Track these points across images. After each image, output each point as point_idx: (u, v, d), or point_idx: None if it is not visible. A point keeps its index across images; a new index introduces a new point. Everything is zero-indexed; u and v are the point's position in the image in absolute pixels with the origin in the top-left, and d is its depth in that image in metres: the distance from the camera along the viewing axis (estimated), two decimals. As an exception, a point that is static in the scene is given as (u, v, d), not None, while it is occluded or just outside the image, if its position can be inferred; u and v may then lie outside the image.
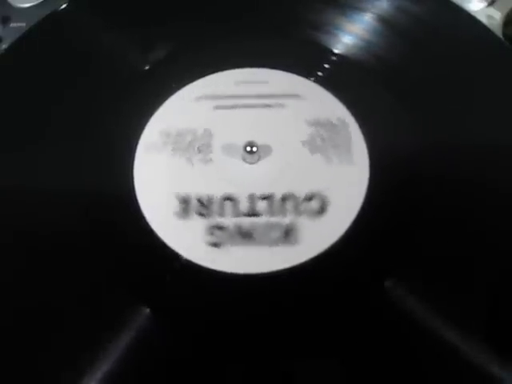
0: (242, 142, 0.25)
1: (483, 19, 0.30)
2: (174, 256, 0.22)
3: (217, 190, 0.24)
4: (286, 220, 0.23)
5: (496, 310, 0.21)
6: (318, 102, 0.26)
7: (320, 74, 0.27)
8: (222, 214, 0.23)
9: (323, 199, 0.24)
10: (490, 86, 0.26)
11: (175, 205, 0.24)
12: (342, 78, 0.27)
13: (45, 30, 0.30)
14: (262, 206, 0.24)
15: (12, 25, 0.32)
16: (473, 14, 0.29)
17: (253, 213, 0.23)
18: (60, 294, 0.22)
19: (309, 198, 0.24)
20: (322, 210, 0.23)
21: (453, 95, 0.26)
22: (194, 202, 0.24)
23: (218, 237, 0.23)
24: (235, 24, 0.30)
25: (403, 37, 0.28)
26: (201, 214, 0.23)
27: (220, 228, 0.23)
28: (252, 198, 0.24)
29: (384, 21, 0.29)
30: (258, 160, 0.25)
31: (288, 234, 0.23)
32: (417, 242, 0.22)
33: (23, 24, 0.32)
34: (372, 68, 0.27)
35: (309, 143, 0.25)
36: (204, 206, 0.24)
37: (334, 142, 0.25)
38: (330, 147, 0.25)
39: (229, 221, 0.23)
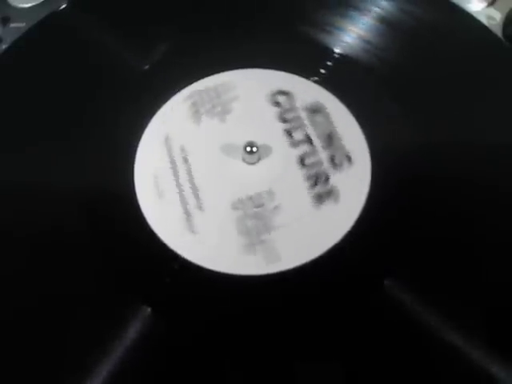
0: (241, 142, 0.25)
1: (483, 19, 0.30)
2: (174, 255, 0.22)
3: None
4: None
5: (496, 310, 0.21)
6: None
7: (320, 74, 0.27)
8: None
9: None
10: (490, 86, 0.26)
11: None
12: (342, 77, 0.27)
13: (45, 30, 0.30)
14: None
15: (12, 25, 0.32)
16: (473, 14, 0.29)
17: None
18: (60, 294, 0.22)
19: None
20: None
21: (453, 95, 0.26)
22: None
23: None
24: (235, 24, 0.30)
25: (403, 37, 0.28)
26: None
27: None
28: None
29: (384, 21, 0.29)
30: (258, 160, 0.25)
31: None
32: (417, 242, 0.22)
33: (23, 24, 0.32)
34: (372, 68, 0.27)
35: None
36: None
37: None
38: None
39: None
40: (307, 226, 0.23)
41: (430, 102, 0.26)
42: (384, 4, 0.29)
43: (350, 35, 0.28)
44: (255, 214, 0.23)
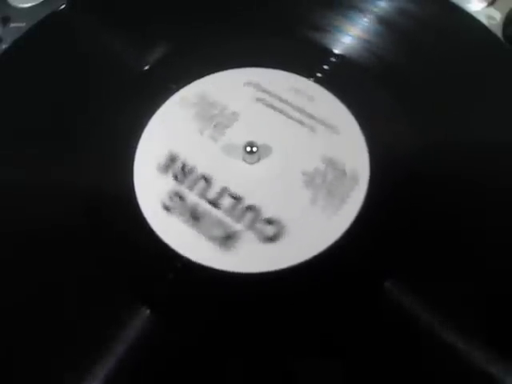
0: (242, 142, 0.25)
1: (483, 19, 0.30)
2: (174, 255, 0.22)
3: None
4: (236, 226, 0.23)
5: (496, 310, 0.21)
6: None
7: (320, 73, 0.27)
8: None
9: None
10: (490, 86, 0.26)
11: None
12: (342, 77, 0.27)
13: (45, 30, 0.30)
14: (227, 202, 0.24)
15: (12, 25, 0.32)
16: (473, 14, 0.29)
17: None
18: (60, 294, 0.22)
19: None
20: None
21: (453, 95, 0.26)
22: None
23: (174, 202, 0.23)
24: (235, 24, 0.30)
25: (403, 37, 0.28)
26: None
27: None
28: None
29: (384, 21, 0.29)
30: (258, 160, 0.25)
31: (227, 240, 0.23)
32: (417, 243, 0.22)
33: (23, 24, 0.32)
34: (372, 68, 0.27)
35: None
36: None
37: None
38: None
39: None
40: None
41: (429, 102, 0.26)
42: (383, 4, 0.29)
43: (350, 35, 0.28)
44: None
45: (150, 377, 0.20)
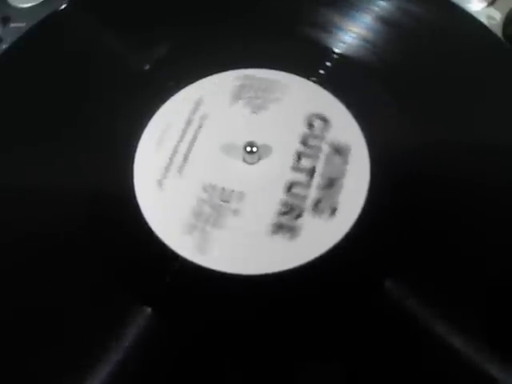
0: (242, 142, 0.25)
1: (483, 19, 0.30)
2: (174, 255, 0.22)
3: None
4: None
5: (496, 311, 0.21)
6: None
7: (320, 73, 0.27)
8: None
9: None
10: (490, 85, 0.26)
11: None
12: (342, 77, 0.27)
13: (45, 30, 0.30)
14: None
15: (12, 25, 0.32)
16: (473, 13, 0.29)
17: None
18: (60, 295, 0.22)
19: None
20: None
21: (453, 95, 0.26)
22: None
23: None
24: (235, 24, 0.30)
25: (403, 36, 0.28)
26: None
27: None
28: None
29: (384, 20, 0.29)
30: (258, 160, 0.25)
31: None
32: (417, 243, 0.22)
33: (23, 24, 0.32)
34: (372, 68, 0.27)
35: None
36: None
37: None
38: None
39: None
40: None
41: (429, 102, 0.26)
42: (384, 4, 0.29)
43: (350, 35, 0.28)
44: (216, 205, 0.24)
45: (150, 377, 0.20)
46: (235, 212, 0.23)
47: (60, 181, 0.25)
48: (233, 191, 0.24)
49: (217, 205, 0.24)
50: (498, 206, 0.23)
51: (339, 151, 0.25)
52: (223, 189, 0.24)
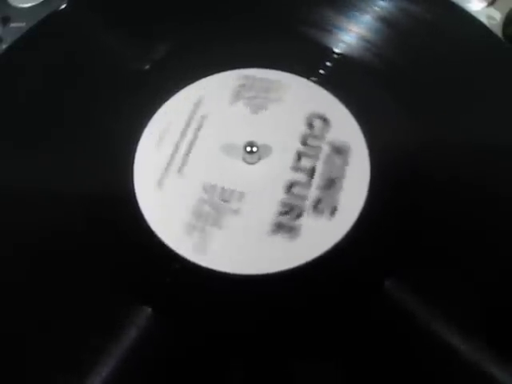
0: (242, 142, 0.25)
1: (483, 19, 0.30)
2: (174, 255, 0.22)
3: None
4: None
5: (496, 311, 0.21)
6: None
7: (320, 73, 0.27)
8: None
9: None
10: (490, 86, 0.26)
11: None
12: (342, 77, 0.27)
13: (45, 30, 0.30)
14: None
15: (12, 25, 0.32)
16: (473, 13, 0.29)
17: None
18: (59, 295, 0.22)
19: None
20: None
21: (453, 95, 0.26)
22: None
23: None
24: (235, 24, 0.30)
25: (403, 36, 0.28)
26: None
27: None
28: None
29: (384, 20, 0.29)
30: (258, 160, 0.25)
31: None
32: (417, 242, 0.22)
33: (23, 24, 0.32)
34: (372, 68, 0.27)
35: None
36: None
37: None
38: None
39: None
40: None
41: (429, 102, 0.26)
42: (384, 3, 0.29)
43: (350, 35, 0.28)
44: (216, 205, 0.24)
45: (150, 377, 0.20)
46: (235, 212, 0.23)
47: (60, 181, 0.25)
48: (233, 191, 0.24)
49: (217, 205, 0.24)
50: (499, 206, 0.23)
51: (339, 151, 0.25)
52: (223, 189, 0.24)
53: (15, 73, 0.28)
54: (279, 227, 0.23)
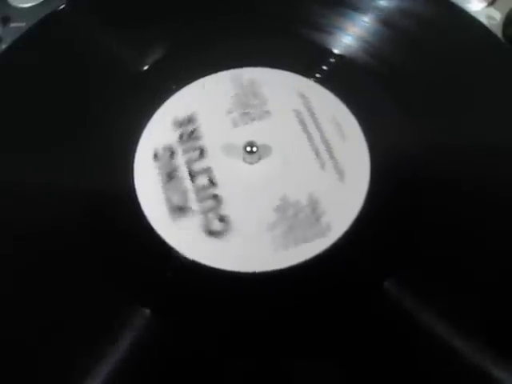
0: (242, 142, 0.25)
1: (483, 19, 0.30)
2: (174, 255, 0.22)
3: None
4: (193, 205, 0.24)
5: (496, 311, 0.21)
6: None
7: (320, 73, 0.27)
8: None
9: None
10: (490, 86, 0.26)
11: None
12: (342, 78, 0.27)
13: (45, 30, 0.30)
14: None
15: (12, 25, 0.32)
16: (473, 14, 0.29)
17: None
18: (59, 294, 0.22)
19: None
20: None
21: (453, 95, 0.26)
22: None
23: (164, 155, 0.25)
24: (234, 24, 0.30)
25: (403, 37, 0.28)
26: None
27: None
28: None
29: (384, 21, 0.29)
30: (258, 160, 0.25)
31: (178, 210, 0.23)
32: (417, 243, 0.22)
33: (23, 24, 0.32)
34: (372, 68, 0.27)
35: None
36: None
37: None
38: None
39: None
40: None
41: (429, 102, 0.26)
42: (384, 4, 0.29)
43: (350, 35, 0.28)
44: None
45: (150, 377, 0.20)
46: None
47: (60, 181, 0.25)
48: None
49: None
50: (499, 206, 0.23)
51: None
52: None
53: (15, 73, 0.28)
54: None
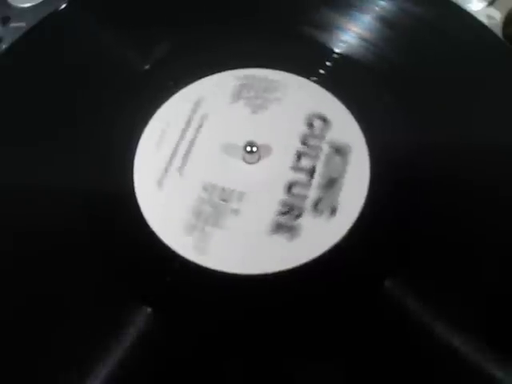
0: (242, 142, 0.25)
1: (483, 19, 0.30)
2: (174, 255, 0.22)
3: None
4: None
5: (496, 310, 0.21)
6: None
7: (320, 73, 0.27)
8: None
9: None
10: (490, 86, 0.26)
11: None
12: (342, 77, 0.27)
13: (45, 30, 0.30)
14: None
15: (12, 25, 0.32)
16: (473, 13, 0.29)
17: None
18: (60, 294, 0.22)
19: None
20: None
21: (453, 95, 0.26)
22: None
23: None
24: (235, 24, 0.30)
25: (403, 36, 0.28)
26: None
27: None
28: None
29: (384, 20, 0.29)
30: (258, 160, 0.25)
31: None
32: (417, 242, 0.22)
33: (23, 24, 0.32)
34: (372, 68, 0.27)
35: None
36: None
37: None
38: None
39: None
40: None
41: (429, 102, 0.26)
42: (384, 3, 0.29)
43: (350, 35, 0.28)
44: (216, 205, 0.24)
45: (150, 377, 0.20)
46: (235, 212, 0.23)
47: (60, 181, 0.25)
48: (233, 191, 0.24)
49: (217, 204, 0.24)
50: (498, 206, 0.23)
51: (339, 151, 0.25)
52: (223, 189, 0.24)
53: (15, 73, 0.28)
54: (279, 227, 0.23)
